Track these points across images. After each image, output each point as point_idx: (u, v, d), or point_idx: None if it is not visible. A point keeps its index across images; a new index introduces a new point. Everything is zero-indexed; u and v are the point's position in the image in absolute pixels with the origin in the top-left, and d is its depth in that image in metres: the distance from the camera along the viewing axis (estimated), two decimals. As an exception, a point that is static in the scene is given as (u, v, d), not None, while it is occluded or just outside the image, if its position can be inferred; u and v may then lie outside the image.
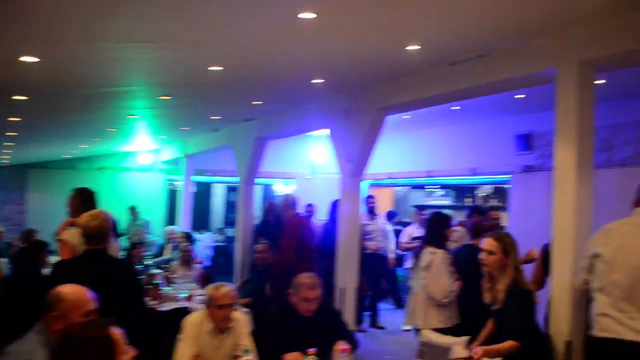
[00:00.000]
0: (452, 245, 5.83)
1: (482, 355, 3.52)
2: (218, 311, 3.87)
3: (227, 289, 3.98)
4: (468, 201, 11.88)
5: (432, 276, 4.86)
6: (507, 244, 3.84)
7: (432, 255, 4.91)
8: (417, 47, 4.39)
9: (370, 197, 9.55)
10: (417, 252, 5.06)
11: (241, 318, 4.09)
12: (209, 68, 5.03)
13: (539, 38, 4.26)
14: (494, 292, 3.86)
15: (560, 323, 4.04)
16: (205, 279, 7.40)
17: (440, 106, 8.69)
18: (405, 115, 9.64)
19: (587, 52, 3.96)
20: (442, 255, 4.94)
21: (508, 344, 3.60)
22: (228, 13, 3.70)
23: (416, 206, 12.28)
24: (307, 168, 12.86)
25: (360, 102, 6.42)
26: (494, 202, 11.03)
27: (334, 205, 6.82)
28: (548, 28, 4.11)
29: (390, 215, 10.51)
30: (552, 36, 4.17)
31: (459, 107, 8.79)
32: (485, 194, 11.78)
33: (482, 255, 3.88)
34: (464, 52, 4.64)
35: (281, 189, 14.53)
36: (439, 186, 12.56)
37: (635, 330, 3.04)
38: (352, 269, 6.63)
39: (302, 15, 3.59)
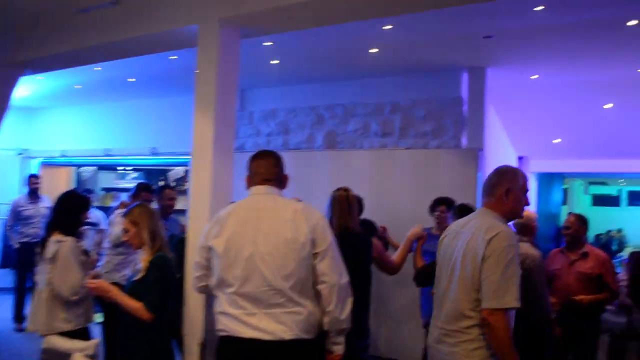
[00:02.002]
0: (119, 227, 5.02)
1: (100, 285, 3.38)
2: None
3: None
4: (162, 184, 11.04)
5: (59, 269, 3.90)
6: (135, 216, 3.42)
7: (59, 245, 3.95)
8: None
9: (33, 176, 8.07)
10: (42, 241, 4.06)
11: None
12: None
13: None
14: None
15: (194, 322, 3.49)
16: None
17: (117, 77, 7.79)
18: (77, 85, 8.45)
19: (229, 9, 3.40)
20: (72, 244, 4.00)
21: (138, 303, 3.20)
22: None
23: (105, 189, 11.07)
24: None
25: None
26: (187, 184, 10.38)
27: None
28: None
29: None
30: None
31: (134, 80, 7.94)
32: (178, 176, 11.09)
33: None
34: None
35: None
36: (131, 167, 11.51)
37: (254, 327, 2.60)
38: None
39: None
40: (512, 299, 2.51)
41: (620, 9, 4.62)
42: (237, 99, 8.13)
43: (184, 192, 9.86)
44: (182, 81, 7.76)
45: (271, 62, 6.62)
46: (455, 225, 2.90)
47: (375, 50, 5.93)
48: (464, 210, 4.11)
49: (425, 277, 3.71)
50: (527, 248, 4.40)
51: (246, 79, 7.77)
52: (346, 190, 3.77)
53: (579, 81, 6.93)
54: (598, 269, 4.64)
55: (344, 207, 3.62)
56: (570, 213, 5.11)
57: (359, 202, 5.42)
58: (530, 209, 9.19)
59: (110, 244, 5.28)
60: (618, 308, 5.77)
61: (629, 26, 4.89)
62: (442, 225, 5.24)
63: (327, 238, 2.65)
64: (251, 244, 2.61)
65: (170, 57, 6.29)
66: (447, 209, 5.25)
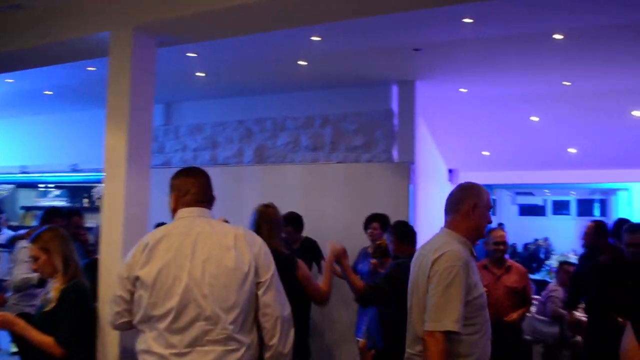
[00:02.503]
0: (22, 267, 4.43)
1: (3, 318, 2.96)
2: None
3: None
4: (86, 202, 10.46)
5: None
6: (45, 242, 3.08)
7: None
8: None
9: None
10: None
11: None
12: None
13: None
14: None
15: (109, 353, 3.18)
16: None
17: (32, 89, 7.32)
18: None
19: (143, 16, 3.14)
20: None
21: (48, 338, 2.87)
22: None
23: (25, 208, 10.38)
24: None
25: None
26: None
27: None
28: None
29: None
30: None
31: (51, 92, 7.49)
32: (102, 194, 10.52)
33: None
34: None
35: None
36: (52, 185, 10.86)
37: None
38: None
39: None
40: (450, 322, 2.37)
41: (547, 22, 4.65)
42: (161, 112, 7.93)
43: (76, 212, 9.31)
44: (102, 93, 7.35)
45: (197, 74, 6.36)
46: (420, 249, 2.76)
47: (304, 62, 5.78)
48: (402, 227, 3.93)
49: (370, 297, 3.49)
50: None
51: (171, 92, 7.48)
52: (273, 207, 3.51)
53: (506, 94, 7.01)
54: (521, 282, 4.65)
55: (273, 225, 3.35)
56: (500, 228, 5.08)
57: (298, 220, 5.30)
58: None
59: (11, 290, 4.64)
60: (551, 318, 5.80)
61: (555, 39, 4.94)
62: (376, 242, 5.12)
63: (271, 267, 2.40)
64: (187, 274, 2.28)
65: (89, 68, 5.95)
66: (381, 225, 5.13)
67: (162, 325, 2.28)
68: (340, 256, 3.40)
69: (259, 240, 2.44)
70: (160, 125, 7.92)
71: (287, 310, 2.42)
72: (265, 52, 5.53)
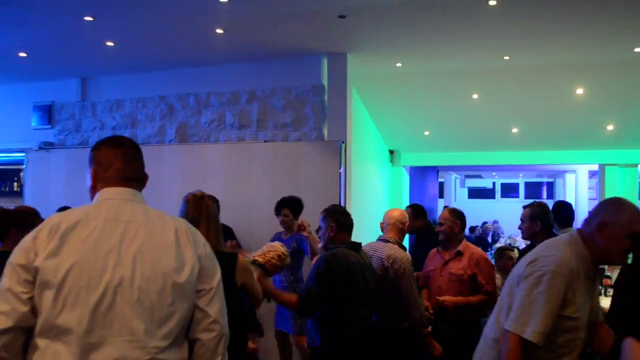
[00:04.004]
0: None
1: None
2: None
3: None
4: (16, 186, 9.75)
5: None
6: None
7: None
8: None
9: None
10: None
11: None
12: None
13: None
14: None
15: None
16: None
17: None
18: None
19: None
20: None
21: None
22: None
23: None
24: None
25: None
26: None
27: None
28: None
29: None
30: None
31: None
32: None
33: None
34: None
35: None
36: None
37: None
38: None
39: None
40: (533, 331, 2.19)
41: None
42: (76, 87, 7.28)
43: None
44: (12, 67, 6.71)
45: (107, 43, 5.75)
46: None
47: (220, 30, 5.23)
48: (344, 214, 3.46)
49: (306, 307, 3.25)
50: (395, 250, 3.85)
51: (86, 65, 6.84)
52: (209, 197, 3.02)
53: (444, 70, 6.61)
54: (471, 269, 4.04)
55: (213, 222, 2.88)
56: (445, 207, 4.65)
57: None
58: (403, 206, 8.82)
59: None
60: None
61: (492, 6, 4.53)
62: (290, 229, 4.71)
63: (217, 272, 1.92)
64: (110, 273, 1.73)
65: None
66: (292, 211, 4.72)
67: (70, 339, 1.68)
68: (262, 281, 3.20)
69: (202, 239, 1.95)
70: (76, 102, 7.28)
71: (227, 324, 1.94)
72: (174, 17, 4.96)
